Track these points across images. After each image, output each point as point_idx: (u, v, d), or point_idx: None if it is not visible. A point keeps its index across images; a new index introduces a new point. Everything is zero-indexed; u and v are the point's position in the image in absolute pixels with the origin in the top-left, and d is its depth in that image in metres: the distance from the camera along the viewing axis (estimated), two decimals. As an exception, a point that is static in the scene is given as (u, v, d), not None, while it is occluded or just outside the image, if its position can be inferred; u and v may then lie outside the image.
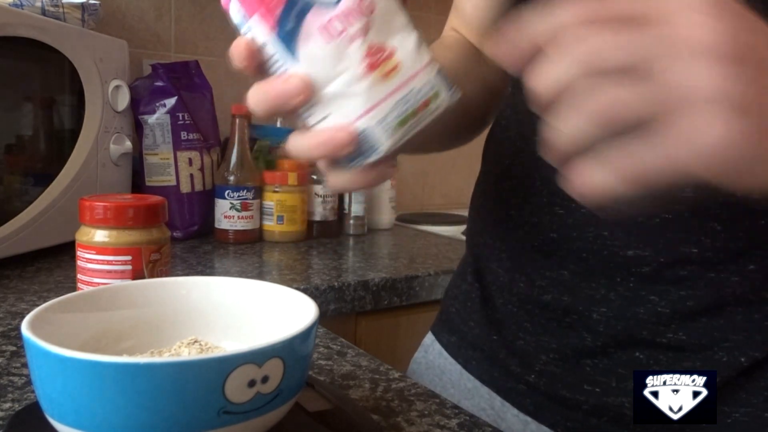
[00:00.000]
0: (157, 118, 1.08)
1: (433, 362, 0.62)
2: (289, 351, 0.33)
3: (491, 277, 0.56)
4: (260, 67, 0.36)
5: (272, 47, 0.35)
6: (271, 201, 1.15)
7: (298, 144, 0.37)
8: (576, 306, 0.47)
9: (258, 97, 0.36)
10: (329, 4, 0.34)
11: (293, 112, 0.37)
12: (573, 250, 0.47)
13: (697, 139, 0.27)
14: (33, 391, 0.45)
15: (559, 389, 0.49)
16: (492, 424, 0.45)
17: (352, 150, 0.36)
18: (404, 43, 0.37)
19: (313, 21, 0.34)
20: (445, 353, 0.61)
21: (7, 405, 0.44)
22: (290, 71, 0.35)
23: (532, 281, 0.50)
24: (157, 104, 1.08)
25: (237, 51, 0.35)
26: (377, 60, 0.35)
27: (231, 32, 0.36)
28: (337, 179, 0.39)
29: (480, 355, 0.56)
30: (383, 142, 0.37)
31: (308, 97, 0.35)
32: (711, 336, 0.43)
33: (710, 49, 0.27)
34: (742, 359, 0.42)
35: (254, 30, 0.35)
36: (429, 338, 0.65)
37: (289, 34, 0.34)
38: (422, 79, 0.37)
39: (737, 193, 0.30)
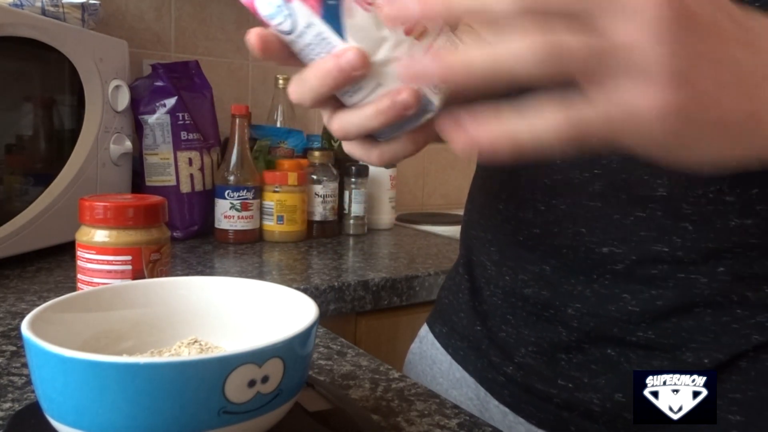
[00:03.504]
0: (157, 118, 1.08)
1: (426, 352, 0.63)
2: (289, 351, 0.33)
3: (480, 269, 0.57)
4: (285, 54, 0.36)
5: (318, 27, 0.35)
6: (271, 201, 1.15)
7: (349, 120, 0.37)
8: (554, 301, 0.48)
9: (312, 82, 0.36)
10: None
11: (340, 91, 0.37)
12: (554, 245, 0.48)
13: (629, 104, 0.26)
14: (33, 391, 0.45)
15: (534, 382, 0.50)
16: (477, 414, 0.45)
17: (416, 109, 0.36)
18: None
19: None
20: (437, 344, 0.62)
21: (7, 405, 0.44)
22: (338, 48, 0.35)
23: (516, 275, 0.51)
24: (157, 104, 1.08)
25: (263, 40, 0.35)
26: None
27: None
28: (386, 153, 0.40)
29: (467, 346, 0.58)
30: (435, 99, 0.37)
31: (367, 68, 0.35)
32: (679, 336, 0.43)
33: (652, 9, 0.26)
34: (706, 361, 0.42)
35: (296, 14, 0.35)
36: (424, 329, 0.66)
37: (333, 9, 0.35)
38: (444, 38, 0.39)
39: (670, 166, 0.30)
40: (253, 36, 0.36)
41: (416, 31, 0.36)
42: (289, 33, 0.36)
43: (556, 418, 0.49)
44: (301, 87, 0.37)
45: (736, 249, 0.41)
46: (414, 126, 0.39)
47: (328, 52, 0.36)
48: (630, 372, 0.45)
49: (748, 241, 0.41)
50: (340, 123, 0.38)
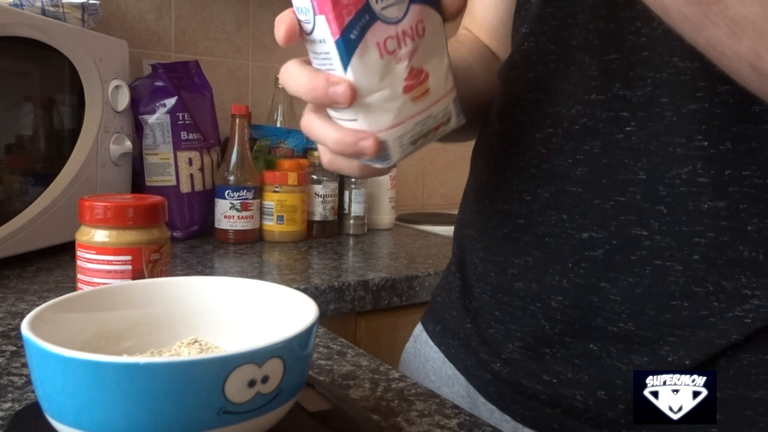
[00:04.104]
0: (157, 118, 1.08)
1: (420, 351, 0.64)
2: (289, 351, 0.33)
3: (471, 267, 0.58)
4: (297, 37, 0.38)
5: (329, 48, 0.36)
6: (271, 201, 1.15)
7: (315, 128, 0.41)
8: (540, 294, 0.49)
9: (299, 86, 0.38)
10: (391, 21, 0.36)
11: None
12: (538, 234, 0.48)
13: None
14: (33, 391, 0.45)
15: (520, 378, 0.50)
16: (469, 411, 0.46)
17: (372, 158, 0.39)
18: (437, 69, 0.39)
19: (373, 36, 0.36)
20: (430, 342, 0.62)
21: (7, 405, 0.44)
22: (338, 74, 0.37)
23: (504, 269, 0.52)
24: (157, 104, 1.08)
25: (282, 29, 0.37)
26: (414, 83, 0.38)
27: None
28: (335, 162, 0.43)
29: (458, 344, 0.58)
30: (395, 155, 0.40)
31: (350, 105, 0.37)
32: (657, 329, 0.43)
33: None
34: (687, 362, 0.42)
35: (317, 26, 0.36)
36: (418, 328, 0.67)
37: (350, 42, 0.36)
38: (442, 105, 0.40)
39: None
40: (283, 25, 0.37)
41: (416, 91, 0.38)
42: (305, 33, 0.38)
43: (540, 415, 0.49)
44: (289, 78, 0.39)
45: (709, 233, 0.41)
46: (366, 163, 0.42)
47: (327, 70, 0.37)
48: (611, 368, 0.45)
49: (719, 223, 0.41)
50: (308, 123, 0.41)
